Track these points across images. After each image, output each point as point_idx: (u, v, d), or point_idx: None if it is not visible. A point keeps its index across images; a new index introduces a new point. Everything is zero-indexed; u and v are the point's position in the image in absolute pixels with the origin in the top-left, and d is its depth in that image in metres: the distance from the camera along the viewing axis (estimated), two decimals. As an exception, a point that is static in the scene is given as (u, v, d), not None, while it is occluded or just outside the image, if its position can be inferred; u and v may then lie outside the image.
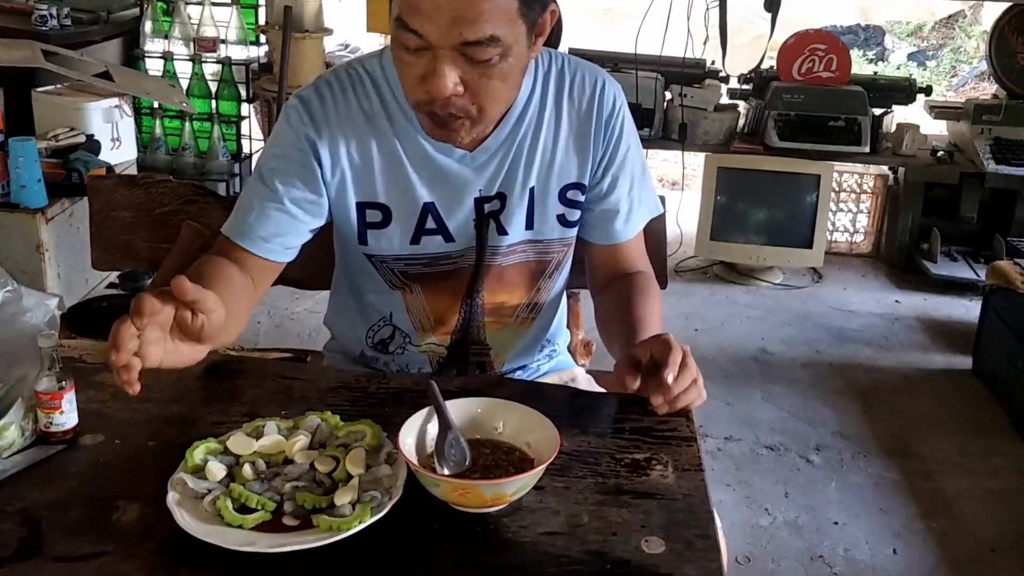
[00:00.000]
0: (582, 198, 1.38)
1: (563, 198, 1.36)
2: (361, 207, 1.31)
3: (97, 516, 1.00)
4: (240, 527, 0.97)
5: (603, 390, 1.27)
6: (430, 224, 1.32)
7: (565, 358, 1.59)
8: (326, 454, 1.07)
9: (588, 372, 1.62)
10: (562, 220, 1.37)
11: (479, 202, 1.32)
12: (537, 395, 1.27)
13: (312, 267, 1.57)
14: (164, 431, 1.16)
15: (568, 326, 1.66)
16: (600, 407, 1.25)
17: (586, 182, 1.37)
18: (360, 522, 0.96)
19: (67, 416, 1.13)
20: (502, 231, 1.34)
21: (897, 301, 3.83)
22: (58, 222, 2.82)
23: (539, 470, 0.99)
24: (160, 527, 0.97)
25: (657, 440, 1.17)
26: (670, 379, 1.16)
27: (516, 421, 1.10)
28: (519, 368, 1.49)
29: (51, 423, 1.12)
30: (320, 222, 1.32)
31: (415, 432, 1.07)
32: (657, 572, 0.94)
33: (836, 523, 2.36)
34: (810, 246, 3.89)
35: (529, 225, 1.35)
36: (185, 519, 0.96)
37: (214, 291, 1.08)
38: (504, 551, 0.97)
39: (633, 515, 1.02)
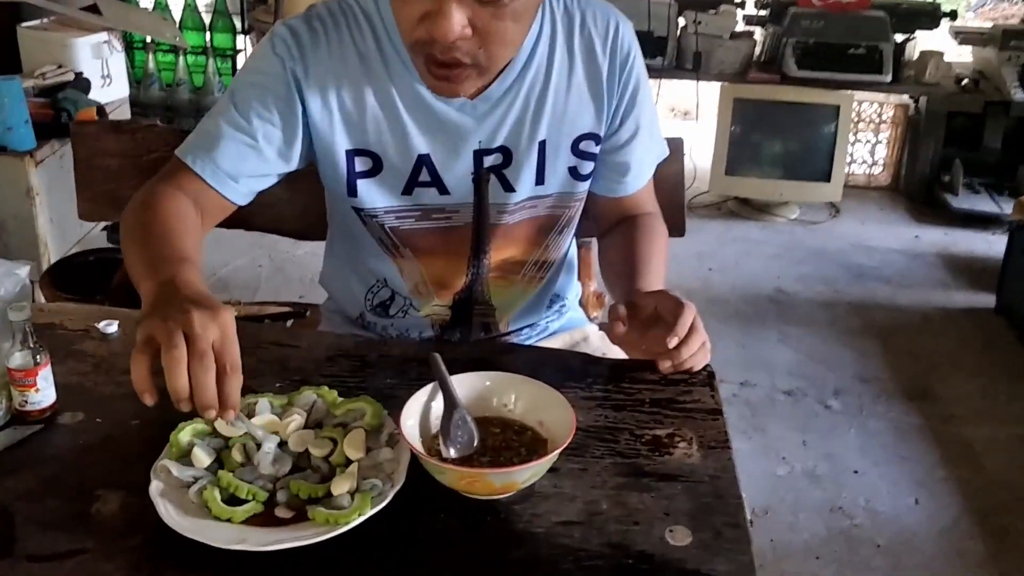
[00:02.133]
0: (596, 149, 1.27)
1: (575, 150, 1.25)
2: (351, 155, 1.20)
3: (75, 508, 0.92)
4: (229, 521, 0.89)
5: (618, 351, 1.18)
6: (424, 176, 1.21)
7: (576, 314, 1.50)
8: (323, 435, 0.99)
9: (601, 326, 1.53)
10: (574, 173, 1.27)
11: (478, 155, 1.21)
12: (548, 363, 1.18)
13: (311, 217, 1.47)
14: (149, 408, 1.07)
15: (579, 278, 1.57)
16: (616, 375, 1.16)
17: (601, 132, 1.26)
18: (359, 514, 0.88)
19: (43, 394, 1.04)
20: (508, 187, 1.23)
21: (917, 236, 3.72)
22: (48, 165, 2.71)
23: (552, 456, 0.91)
24: (143, 520, 0.89)
25: (679, 413, 1.09)
26: (674, 343, 1.08)
27: (528, 397, 1.02)
28: (526, 327, 1.40)
29: (26, 402, 1.04)
30: (290, 168, 1.21)
31: (418, 411, 0.99)
32: (684, 568, 0.87)
33: (856, 472, 2.30)
34: (828, 180, 3.77)
35: (539, 180, 1.25)
36: (169, 513, 0.89)
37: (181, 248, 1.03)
38: (516, 544, 0.89)
39: (656, 501, 0.94)
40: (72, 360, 1.16)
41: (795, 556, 2.00)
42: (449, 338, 1.35)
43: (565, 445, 0.92)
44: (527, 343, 1.40)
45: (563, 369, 1.16)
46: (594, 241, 1.48)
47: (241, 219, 1.33)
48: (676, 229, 1.64)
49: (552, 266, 1.36)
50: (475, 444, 0.97)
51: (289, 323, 1.74)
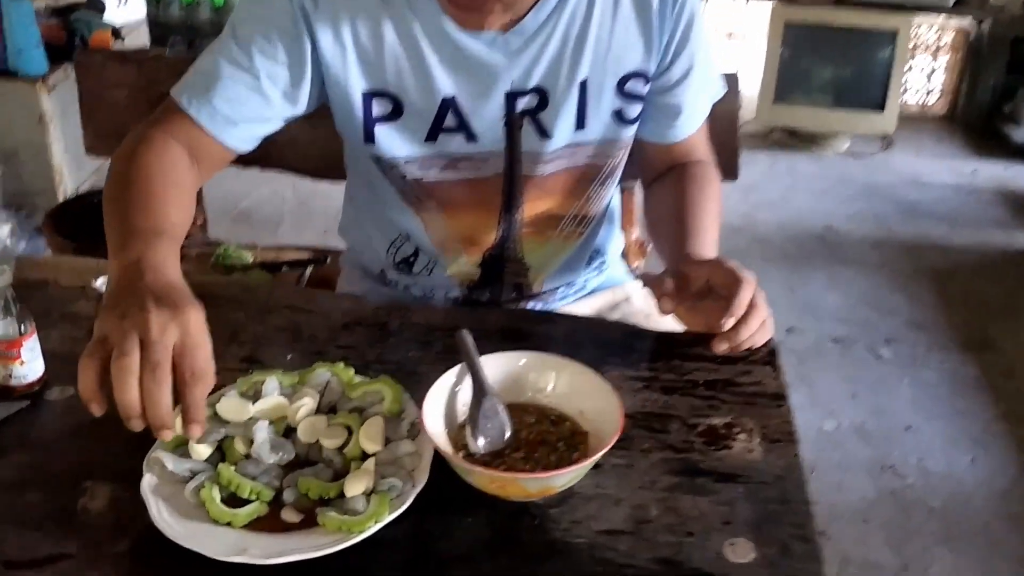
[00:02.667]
0: (644, 90, 1.12)
1: (621, 90, 1.11)
2: (367, 97, 1.07)
3: (59, 503, 0.82)
4: (229, 524, 0.78)
5: (663, 318, 1.05)
6: (449, 122, 1.08)
7: (617, 271, 1.37)
8: (336, 421, 0.88)
9: (644, 281, 1.40)
10: (619, 117, 1.13)
11: (511, 97, 1.07)
12: (588, 336, 1.06)
13: (333, 157, 1.34)
14: (146, 382, 0.97)
15: (620, 226, 1.43)
16: (665, 351, 1.03)
17: (650, 70, 1.11)
18: (376, 521, 0.77)
19: (29, 367, 0.94)
20: (544, 134, 1.09)
21: (974, 171, 3.52)
22: (61, 90, 2.59)
23: (595, 458, 0.79)
24: (134, 520, 0.79)
25: (738, 398, 0.96)
26: (730, 324, 0.96)
27: (567, 382, 0.90)
28: (562, 286, 1.27)
29: (11, 376, 0.93)
30: (297, 112, 1.08)
31: (443, 398, 0.87)
32: (746, 592, 0.76)
33: (908, 427, 2.17)
34: (881, 109, 3.56)
35: (579, 125, 1.11)
36: (162, 515, 0.78)
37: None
38: (553, 557, 0.78)
39: (713, 507, 0.83)
40: (65, 324, 1.05)
41: (841, 519, 1.89)
42: (478, 298, 1.23)
43: (610, 445, 0.80)
44: (563, 304, 1.28)
45: (604, 343, 1.04)
46: (638, 185, 1.34)
47: (256, 158, 1.21)
48: (729, 173, 1.49)
49: (592, 220, 1.22)
50: (507, 436, 0.85)
51: (308, 271, 1.63)
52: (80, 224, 1.67)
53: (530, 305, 1.25)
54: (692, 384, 0.98)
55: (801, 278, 2.74)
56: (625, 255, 1.51)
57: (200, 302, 0.83)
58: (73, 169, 2.62)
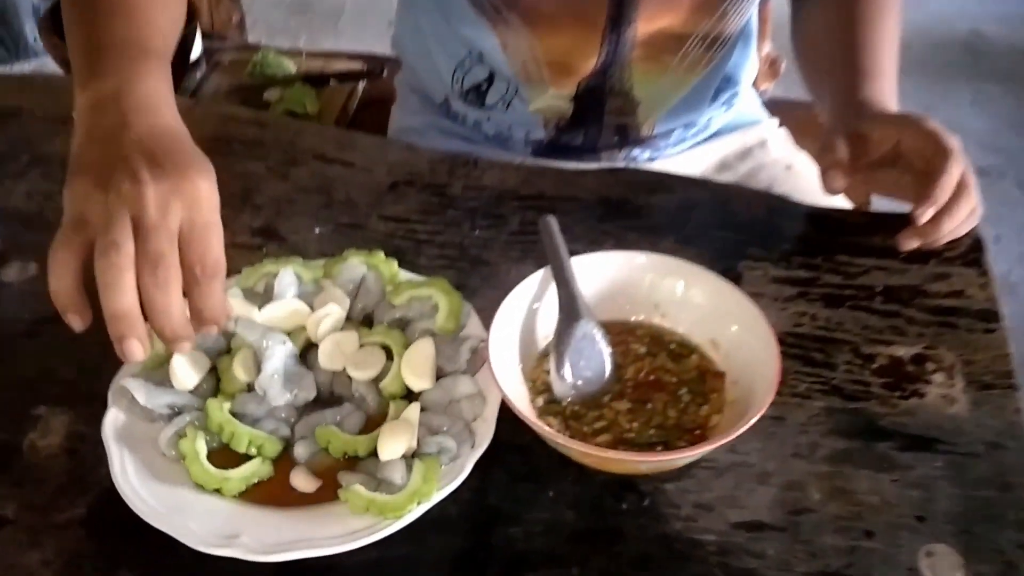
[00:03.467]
0: None
1: None
2: None
3: (2, 438, 0.61)
4: (218, 493, 0.56)
5: (813, 180, 0.77)
6: None
7: (749, 106, 1.06)
8: (371, 339, 0.63)
9: (775, 104, 1.09)
10: None
11: None
12: (718, 212, 0.78)
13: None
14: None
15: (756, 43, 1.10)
16: (828, 239, 0.75)
17: None
18: (419, 502, 0.54)
19: (-24, 237, 0.71)
20: None
21: None
22: None
23: (741, 431, 0.54)
24: (94, 471, 0.58)
25: (931, 316, 0.69)
26: (929, 215, 0.70)
27: (696, 297, 0.63)
28: (679, 127, 0.97)
29: (-49, 248, 0.71)
30: None
31: (519, 317, 0.62)
32: (956, 643, 0.52)
33: (1060, 281, 1.86)
34: None
35: None
36: (127, 474, 0.57)
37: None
38: (666, 562, 0.55)
39: (901, 491, 0.58)
40: (36, 170, 0.81)
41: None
42: (568, 142, 0.95)
43: (763, 409, 0.54)
44: (678, 151, 0.99)
45: (742, 226, 0.76)
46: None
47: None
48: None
49: (727, 42, 0.91)
50: (606, 376, 0.60)
51: (360, 87, 1.35)
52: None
53: (636, 153, 0.96)
54: (866, 292, 0.70)
55: (941, 94, 2.34)
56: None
57: (205, 146, 0.58)
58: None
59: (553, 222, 0.66)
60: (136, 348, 0.52)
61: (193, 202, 0.53)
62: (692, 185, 0.81)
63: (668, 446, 0.57)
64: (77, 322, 0.55)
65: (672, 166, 0.96)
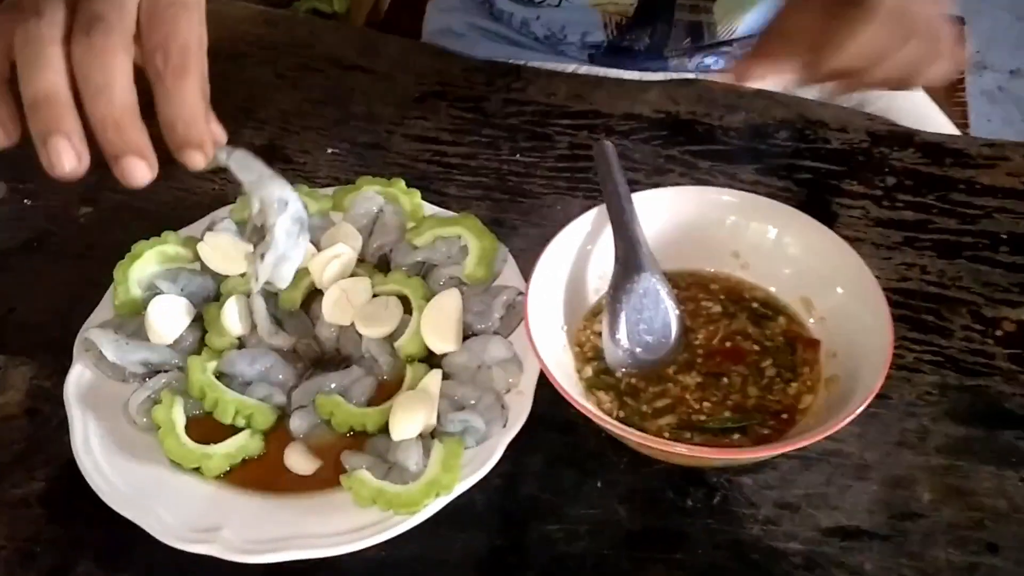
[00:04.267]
0: None
1: None
2: None
3: (-50, 393, 0.52)
4: (198, 472, 0.47)
5: (917, 103, 0.64)
6: None
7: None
8: (387, 288, 0.53)
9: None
10: None
11: None
12: (811, 134, 0.65)
13: None
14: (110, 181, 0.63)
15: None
16: (939, 176, 0.62)
17: None
18: (437, 494, 0.44)
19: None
20: None
21: None
22: None
23: (840, 425, 0.42)
24: (56, 435, 0.49)
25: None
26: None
27: (789, 247, 0.51)
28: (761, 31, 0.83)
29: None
30: None
31: (565, 270, 0.50)
32: None
33: None
34: None
35: None
36: (91, 448, 0.47)
37: None
38: (739, 571, 0.45)
39: (1034, 496, 0.47)
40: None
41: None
42: (631, 45, 0.81)
43: (873, 394, 0.42)
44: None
45: (838, 155, 0.63)
46: None
47: None
48: None
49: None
50: (672, 340, 0.49)
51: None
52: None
53: (710, 61, 0.83)
54: (988, 240, 0.58)
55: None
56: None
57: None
58: None
59: (609, 146, 0.53)
60: (66, 152, 0.37)
61: None
62: (777, 103, 0.68)
63: (746, 432, 0.46)
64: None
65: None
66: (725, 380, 0.48)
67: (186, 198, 0.61)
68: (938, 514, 0.46)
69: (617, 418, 0.46)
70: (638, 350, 0.48)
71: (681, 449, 0.42)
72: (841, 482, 0.47)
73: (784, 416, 0.46)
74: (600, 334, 0.49)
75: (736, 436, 0.46)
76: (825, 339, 0.49)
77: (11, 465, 0.49)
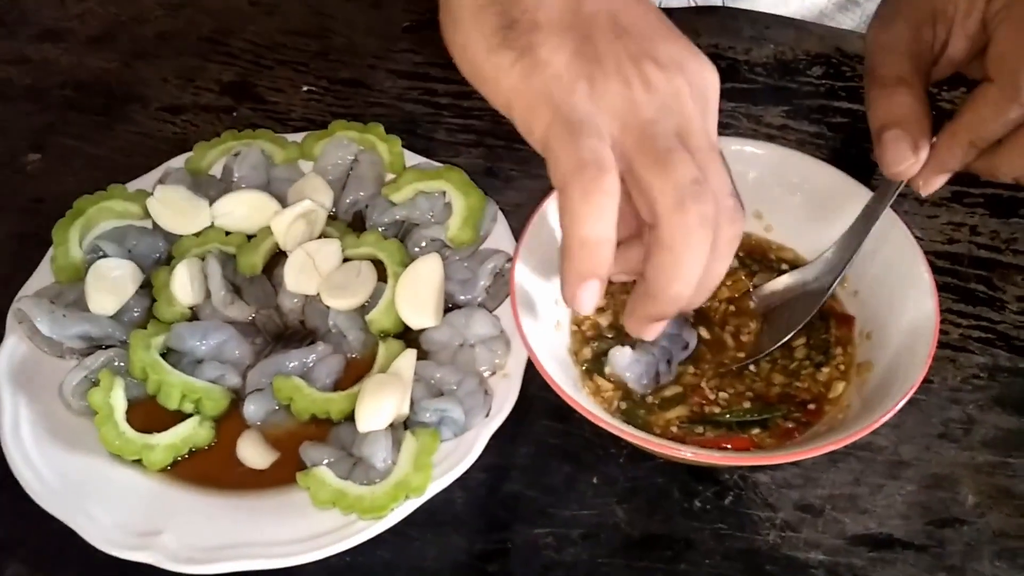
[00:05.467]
0: None
1: None
2: None
3: None
4: (139, 464, 0.41)
5: None
6: None
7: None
8: (359, 251, 0.46)
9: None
10: None
11: None
12: (846, 67, 0.57)
13: None
14: (62, 125, 0.57)
15: None
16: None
17: None
18: (406, 497, 0.39)
19: None
20: None
21: None
22: None
23: (881, 421, 0.36)
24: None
25: None
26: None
27: (821, 206, 0.44)
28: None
29: None
30: None
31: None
32: None
33: None
34: None
35: None
36: (20, 435, 0.42)
37: None
38: (757, 588, 0.39)
39: (1097, 502, 0.40)
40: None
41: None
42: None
43: (916, 385, 0.36)
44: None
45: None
46: None
47: None
48: None
49: None
50: (687, 321, 0.43)
51: None
52: None
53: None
54: (1050, 196, 0.51)
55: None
56: None
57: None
58: None
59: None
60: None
61: (703, 98, 0.35)
62: (810, 33, 0.60)
63: (767, 427, 0.40)
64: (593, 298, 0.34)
65: (780, 5, 0.74)
66: (751, 379, 0.41)
67: (141, 142, 0.55)
68: (984, 520, 0.40)
69: (618, 410, 0.40)
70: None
71: (687, 454, 0.36)
72: (872, 481, 0.41)
73: (811, 406, 0.40)
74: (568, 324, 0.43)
75: (756, 431, 0.40)
76: (859, 315, 0.42)
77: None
